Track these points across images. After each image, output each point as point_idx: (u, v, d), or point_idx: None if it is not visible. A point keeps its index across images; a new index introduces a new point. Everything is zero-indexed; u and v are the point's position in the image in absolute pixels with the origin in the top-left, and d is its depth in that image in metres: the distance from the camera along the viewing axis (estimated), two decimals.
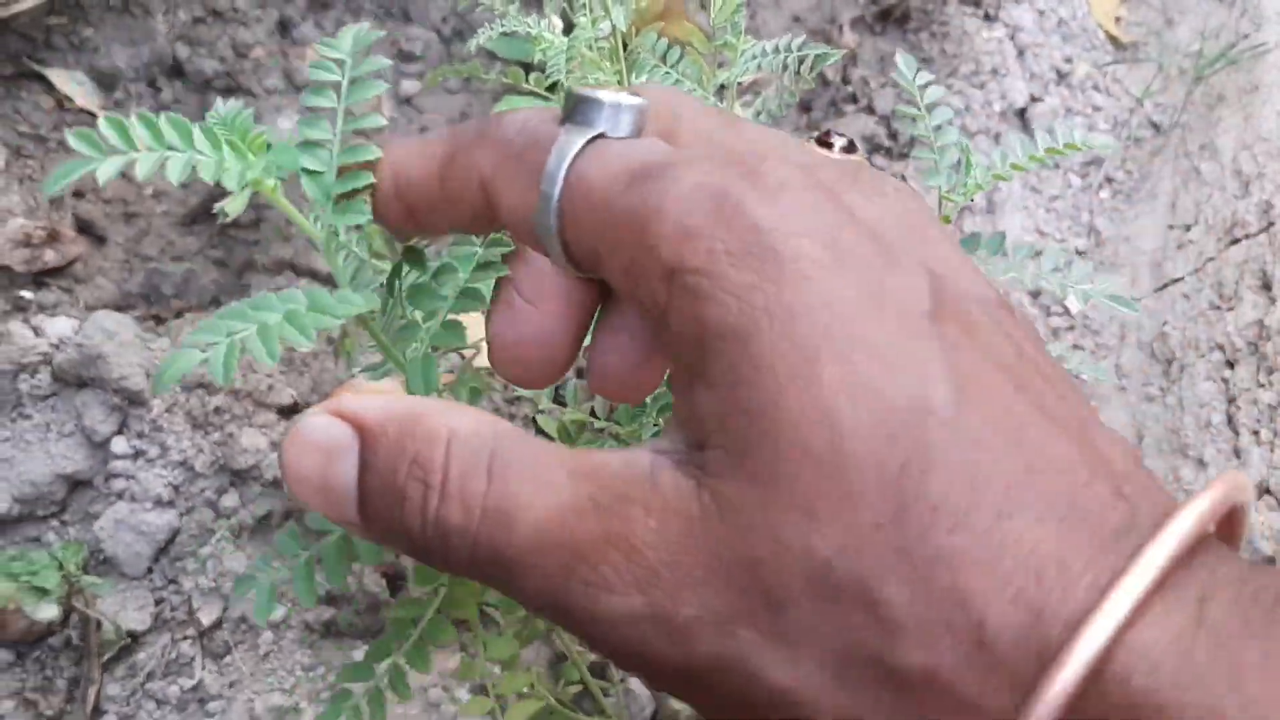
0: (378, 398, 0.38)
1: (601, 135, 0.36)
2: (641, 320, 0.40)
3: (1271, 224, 0.94)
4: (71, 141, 0.35)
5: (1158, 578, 0.28)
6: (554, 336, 0.41)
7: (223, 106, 0.42)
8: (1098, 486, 0.31)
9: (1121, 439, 0.34)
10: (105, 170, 0.35)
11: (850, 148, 0.41)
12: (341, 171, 0.42)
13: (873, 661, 0.30)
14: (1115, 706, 0.28)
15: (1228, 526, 0.33)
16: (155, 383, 0.35)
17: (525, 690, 0.55)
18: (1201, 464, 0.84)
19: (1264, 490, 0.78)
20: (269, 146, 0.41)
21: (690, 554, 0.32)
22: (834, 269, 0.32)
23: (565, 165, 0.36)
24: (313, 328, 0.38)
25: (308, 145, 0.42)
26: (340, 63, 0.43)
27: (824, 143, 0.40)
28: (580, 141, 0.36)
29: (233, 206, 0.39)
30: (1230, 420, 0.84)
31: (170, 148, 0.37)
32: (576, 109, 0.37)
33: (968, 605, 0.29)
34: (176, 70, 0.93)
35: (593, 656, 0.68)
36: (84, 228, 0.83)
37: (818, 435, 0.30)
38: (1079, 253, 1.02)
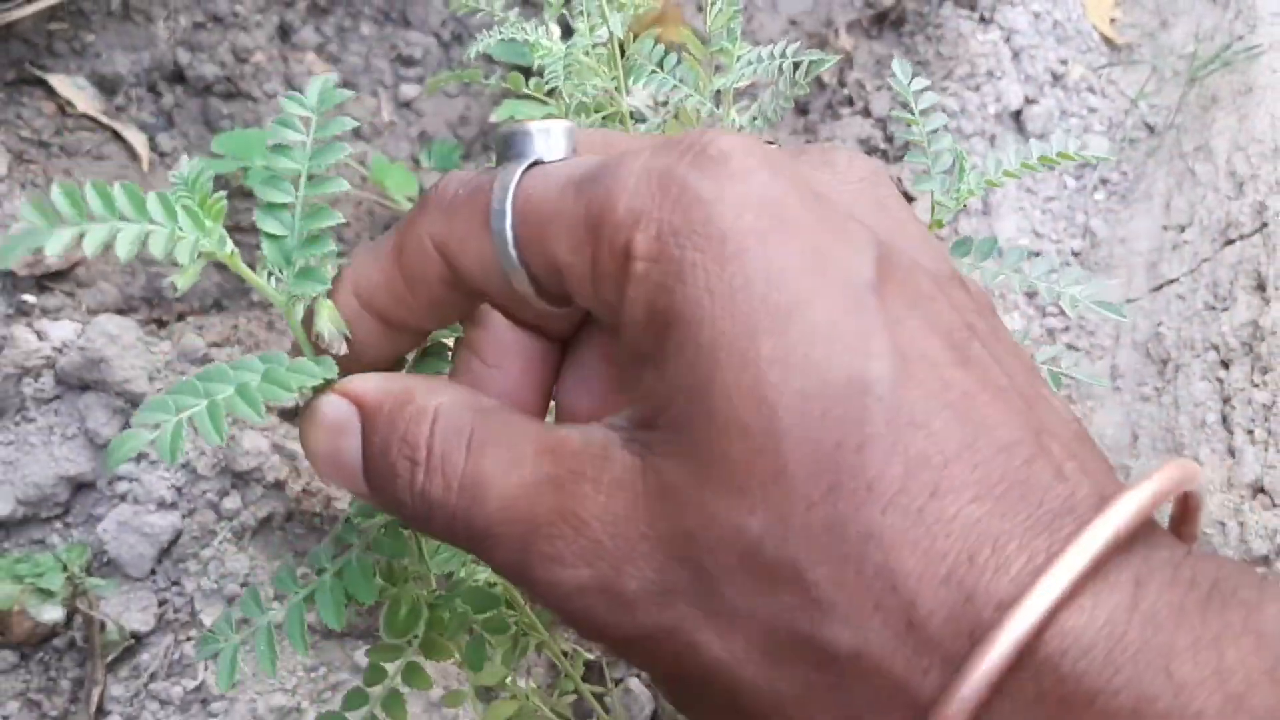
0: (377, 376, 0.39)
1: (538, 162, 0.37)
2: (605, 364, 0.40)
3: (1265, 225, 0.94)
4: (23, 210, 0.35)
5: (1093, 562, 0.28)
6: (517, 396, 0.41)
7: (185, 166, 0.41)
8: (1038, 465, 0.31)
9: (1071, 418, 0.34)
10: (53, 245, 0.35)
11: None
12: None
13: (803, 640, 0.31)
14: (1046, 689, 0.28)
15: (1182, 515, 0.33)
16: (105, 463, 0.36)
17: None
18: (1197, 463, 0.84)
19: (1258, 489, 0.79)
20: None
21: (633, 529, 0.33)
22: (776, 240, 0.32)
23: (509, 196, 0.36)
24: (264, 401, 0.38)
25: (269, 207, 0.41)
26: (306, 120, 0.42)
27: None
28: (518, 171, 0.36)
29: (182, 282, 0.38)
30: (1225, 420, 0.85)
31: (123, 217, 0.36)
32: (508, 145, 0.37)
33: (899, 585, 0.29)
34: (177, 75, 0.94)
35: (587, 658, 0.68)
36: None
37: (751, 412, 0.31)
38: (1074, 254, 1.03)
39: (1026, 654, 0.28)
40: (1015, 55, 1.11)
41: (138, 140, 0.89)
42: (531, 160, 0.37)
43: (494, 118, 0.91)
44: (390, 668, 0.51)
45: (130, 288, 0.80)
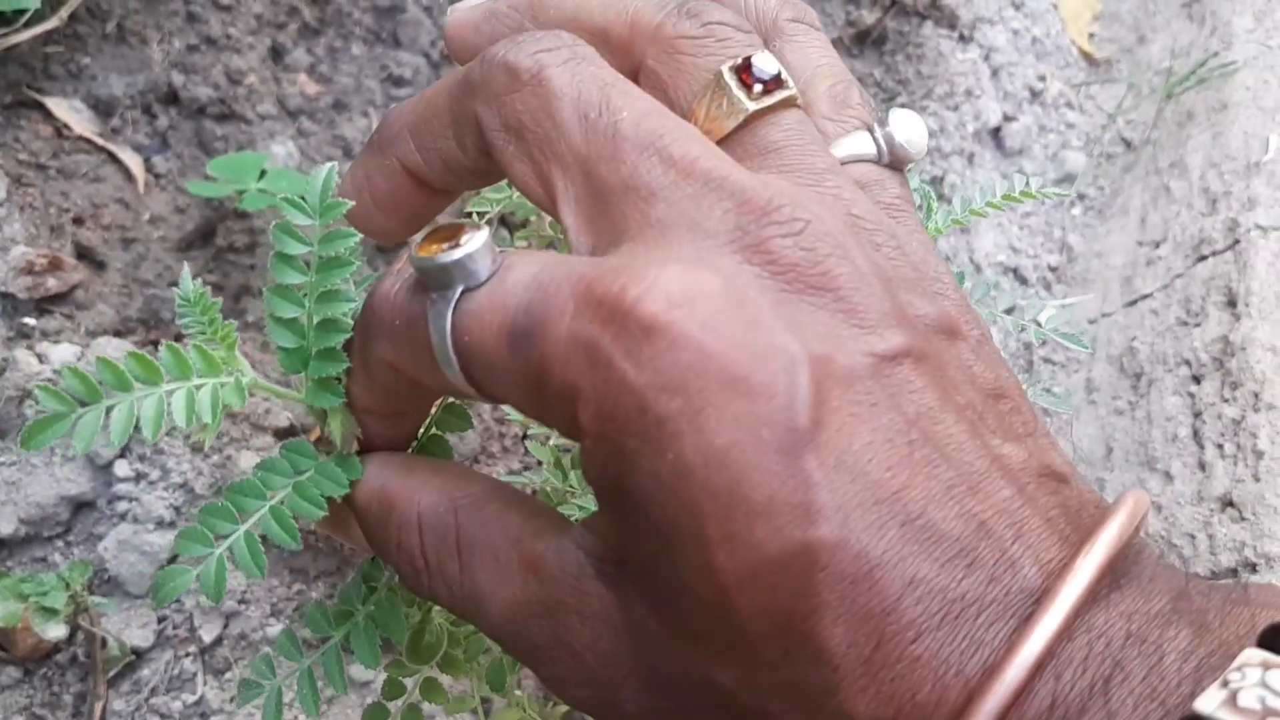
0: (366, 472, 0.43)
1: (465, 289, 0.37)
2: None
3: (1237, 241, 0.97)
4: (39, 397, 0.37)
5: (1019, 685, 0.31)
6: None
7: (190, 284, 0.42)
8: (979, 568, 0.33)
9: (1026, 453, 0.36)
10: (81, 439, 0.37)
11: (774, 83, 0.41)
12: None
13: None
14: None
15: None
16: (154, 599, 0.38)
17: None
18: (1168, 477, 0.87)
19: (1227, 503, 0.81)
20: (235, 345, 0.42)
21: (622, 663, 0.36)
22: (709, 415, 0.33)
23: (449, 345, 0.37)
24: (299, 518, 0.40)
25: (279, 322, 0.42)
26: (308, 230, 0.42)
27: (745, 83, 0.40)
28: (448, 313, 0.37)
29: (208, 437, 0.40)
30: (1196, 434, 0.87)
31: (139, 386, 0.38)
32: (431, 276, 0.38)
33: None
34: (172, 97, 0.95)
35: None
36: (84, 254, 0.85)
37: (706, 589, 0.33)
38: (1051, 269, 1.05)
39: None
40: (994, 73, 1.13)
41: (133, 162, 0.91)
42: (459, 291, 0.37)
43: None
44: (408, 683, 0.53)
45: (127, 309, 0.82)
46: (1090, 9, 1.34)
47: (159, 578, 0.40)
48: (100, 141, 0.91)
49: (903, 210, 0.42)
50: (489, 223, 0.70)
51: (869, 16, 1.13)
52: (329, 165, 0.43)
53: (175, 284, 0.86)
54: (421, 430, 0.47)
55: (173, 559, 0.71)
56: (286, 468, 0.43)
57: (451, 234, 0.38)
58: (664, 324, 0.33)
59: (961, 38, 1.12)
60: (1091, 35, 1.31)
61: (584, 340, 0.34)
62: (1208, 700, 0.29)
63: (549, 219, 0.68)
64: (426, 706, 0.55)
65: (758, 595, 0.33)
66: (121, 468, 0.71)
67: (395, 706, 0.52)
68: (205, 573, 0.39)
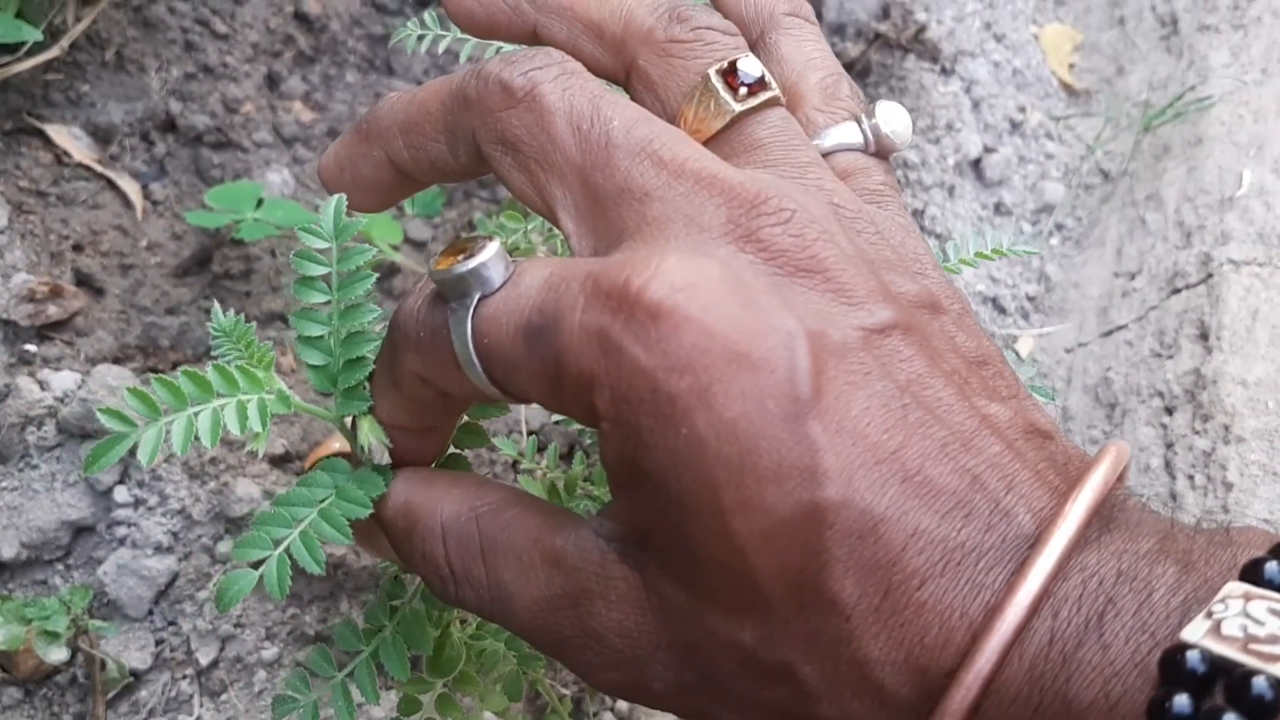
0: (391, 489, 0.44)
1: (482, 296, 0.40)
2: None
3: (1210, 275, 0.99)
4: (103, 420, 0.39)
5: (1020, 622, 0.34)
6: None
7: (223, 316, 0.45)
8: (976, 517, 0.36)
9: (1013, 414, 0.39)
10: (145, 451, 0.39)
11: (758, 85, 0.43)
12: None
13: (800, 718, 0.37)
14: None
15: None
16: (219, 604, 0.40)
17: None
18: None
19: None
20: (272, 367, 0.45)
21: (648, 640, 0.39)
22: (717, 392, 0.35)
23: (471, 350, 0.40)
24: (346, 519, 0.43)
25: (308, 340, 0.45)
26: (326, 251, 0.45)
27: (731, 85, 0.43)
28: (468, 320, 0.40)
29: (260, 445, 0.43)
30: (1168, 465, 0.89)
31: (193, 401, 0.41)
32: (449, 288, 0.40)
33: (867, 673, 0.35)
34: (170, 125, 0.97)
35: (562, 693, 0.73)
36: (83, 280, 0.87)
37: (725, 553, 0.36)
38: (1030, 299, 1.08)
39: (972, 711, 0.34)
40: (975, 105, 1.15)
41: (131, 189, 0.93)
42: (476, 298, 0.40)
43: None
44: (424, 699, 0.55)
45: (126, 336, 0.84)
46: (1071, 40, 1.37)
47: (222, 585, 0.42)
48: (99, 168, 0.93)
49: (886, 196, 0.45)
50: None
51: (853, 49, 1.15)
52: (339, 195, 0.46)
53: (172, 310, 0.87)
54: None
55: (171, 582, 0.73)
56: (326, 478, 0.45)
57: (465, 247, 0.41)
58: (669, 308, 0.36)
59: (943, 70, 1.15)
60: (1072, 66, 1.34)
61: (595, 330, 0.37)
62: (1194, 629, 0.32)
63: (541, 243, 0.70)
64: None
65: (773, 555, 0.35)
66: (121, 493, 0.73)
67: None
68: (268, 574, 0.42)
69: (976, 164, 1.12)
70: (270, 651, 0.72)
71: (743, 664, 0.37)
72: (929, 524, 0.35)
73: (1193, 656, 0.31)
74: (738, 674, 0.37)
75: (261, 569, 0.42)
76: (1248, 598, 0.32)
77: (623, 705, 0.79)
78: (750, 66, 0.43)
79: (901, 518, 0.35)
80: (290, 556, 0.42)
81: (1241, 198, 1.04)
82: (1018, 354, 1.04)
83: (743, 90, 0.43)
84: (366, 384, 0.45)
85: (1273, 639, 0.30)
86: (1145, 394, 0.95)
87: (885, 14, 1.18)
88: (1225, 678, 0.31)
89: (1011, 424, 0.38)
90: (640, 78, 0.45)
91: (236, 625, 0.72)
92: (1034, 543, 0.35)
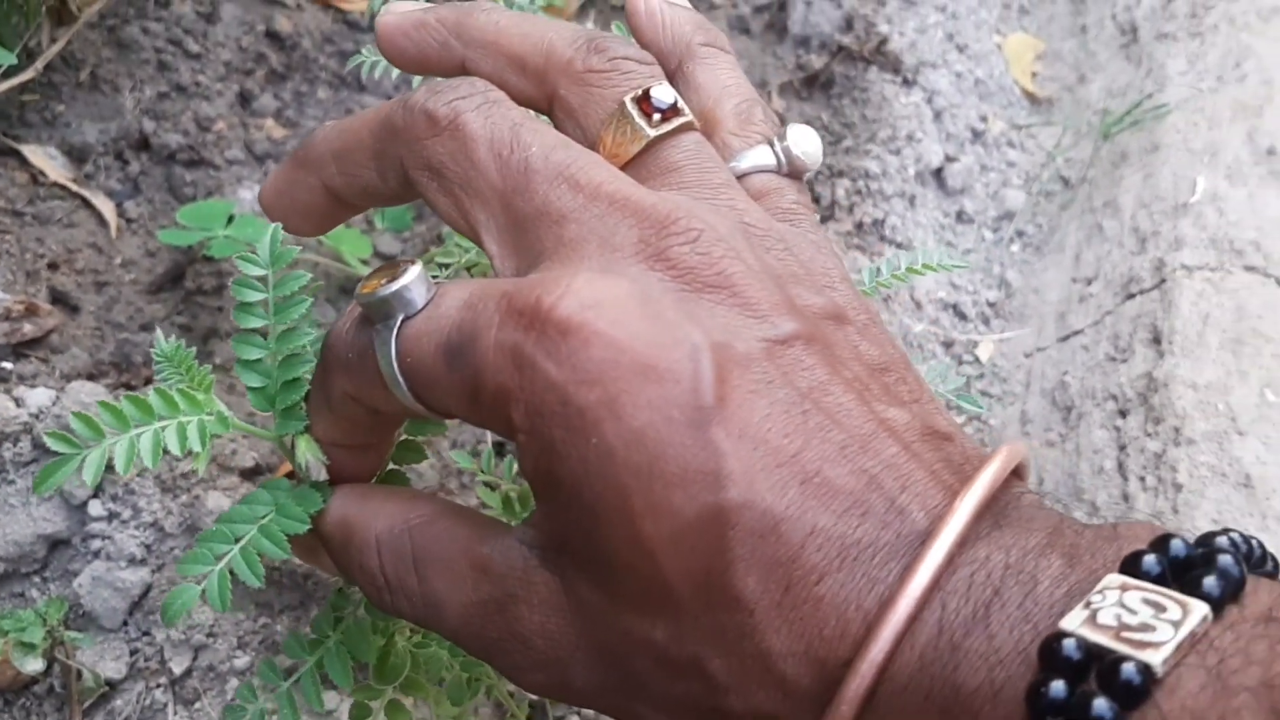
0: (330, 503, 0.46)
1: (405, 318, 0.42)
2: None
3: (1163, 281, 1.01)
4: (49, 442, 0.42)
5: (910, 613, 0.36)
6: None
7: (164, 342, 0.47)
8: (872, 516, 0.38)
9: (911, 417, 0.41)
10: (89, 472, 0.42)
11: (671, 111, 0.45)
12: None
13: (712, 710, 0.39)
14: (889, 716, 0.36)
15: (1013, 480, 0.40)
16: (164, 618, 0.42)
17: None
18: (1094, 507, 0.91)
19: None
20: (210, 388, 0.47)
21: (568, 641, 0.41)
22: (625, 403, 0.38)
23: (395, 368, 0.42)
24: (285, 535, 0.45)
25: (246, 363, 0.47)
26: (263, 278, 0.47)
27: (646, 111, 0.45)
28: (392, 340, 0.42)
29: (201, 464, 0.45)
30: (1121, 467, 0.92)
31: (135, 424, 0.43)
32: (374, 309, 0.43)
33: (771, 665, 0.38)
34: (143, 144, 0.99)
35: (531, 699, 0.75)
36: (58, 298, 0.88)
37: (637, 557, 0.38)
38: (990, 304, 1.10)
39: (868, 698, 0.36)
40: (937, 115, 1.18)
41: (106, 208, 0.95)
42: (400, 319, 0.42)
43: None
44: (374, 705, 0.57)
45: (100, 353, 0.86)
46: (1033, 48, 1.39)
47: (166, 601, 0.44)
48: (74, 188, 0.95)
49: (799, 214, 0.47)
50: (455, 272, 0.74)
51: (817, 61, 1.17)
52: (275, 225, 0.48)
53: (146, 327, 0.89)
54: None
55: (145, 593, 0.75)
56: (267, 496, 0.47)
57: (389, 270, 0.43)
58: (577, 324, 0.38)
59: (905, 82, 1.17)
60: (1035, 75, 1.36)
61: (509, 347, 0.39)
62: (1072, 619, 0.34)
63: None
64: None
65: (680, 556, 0.37)
66: (95, 507, 0.75)
67: None
68: (210, 589, 0.44)
69: (938, 173, 1.15)
70: (243, 660, 0.74)
71: (656, 661, 0.39)
72: (827, 522, 0.37)
73: (1069, 644, 0.33)
74: (651, 670, 0.40)
75: (203, 583, 0.44)
76: (1124, 588, 0.34)
77: (589, 711, 0.81)
78: (663, 94, 0.45)
79: (801, 517, 0.37)
80: (231, 571, 0.44)
81: (1195, 204, 1.07)
82: (978, 358, 1.06)
83: (656, 116, 0.45)
84: (303, 404, 0.47)
85: (1144, 627, 0.32)
86: (1100, 397, 0.97)
87: (849, 26, 1.20)
88: (1098, 664, 0.33)
89: (909, 426, 0.40)
90: (562, 106, 0.47)
91: (209, 635, 0.74)
92: (926, 538, 0.37)
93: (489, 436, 0.87)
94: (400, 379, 0.42)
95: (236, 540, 0.45)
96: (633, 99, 0.45)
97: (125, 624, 0.74)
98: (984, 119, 1.22)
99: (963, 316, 1.08)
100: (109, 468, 0.76)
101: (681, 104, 0.46)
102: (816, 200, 1.08)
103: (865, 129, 1.12)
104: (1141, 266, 1.04)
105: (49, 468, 0.42)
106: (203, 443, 0.45)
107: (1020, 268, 1.14)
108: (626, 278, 0.40)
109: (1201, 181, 1.09)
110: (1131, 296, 1.03)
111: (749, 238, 0.43)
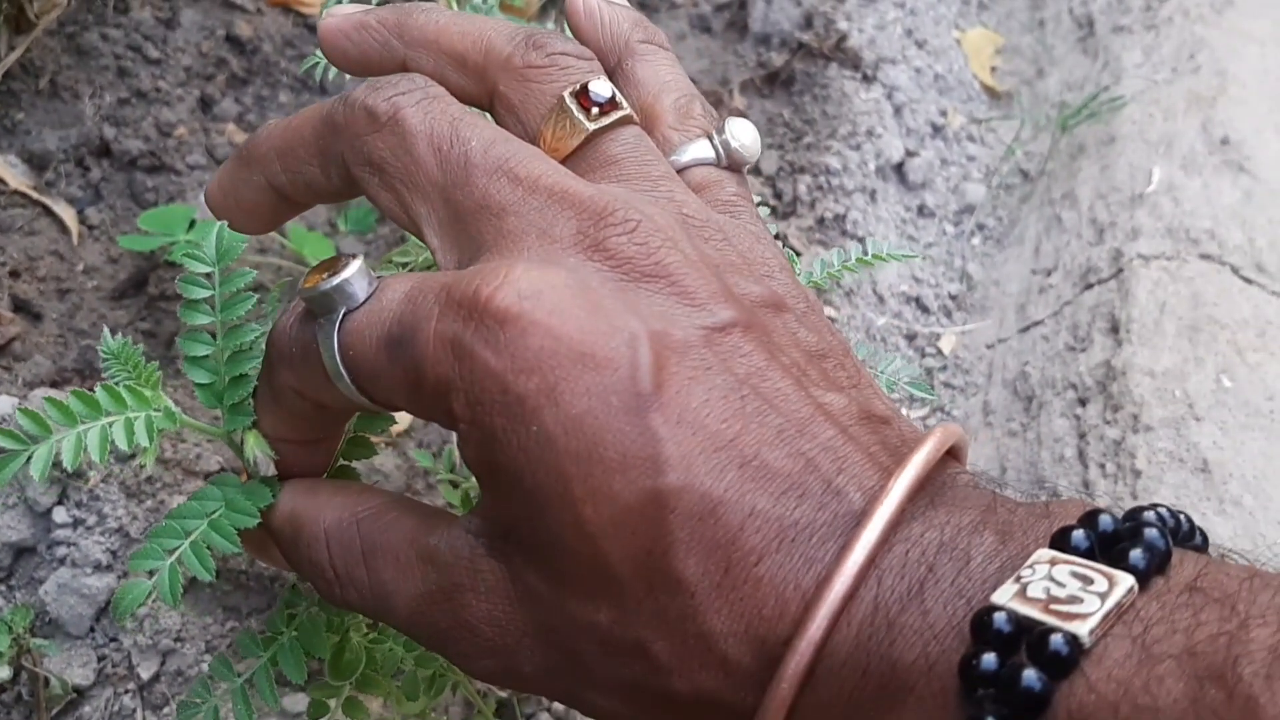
0: (279, 499, 0.47)
1: (347, 311, 0.43)
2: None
3: (1120, 270, 1.03)
4: None
5: (846, 592, 0.37)
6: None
7: (111, 340, 0.47)
8: (809, 498, 0.39)
9: (848, 401, 0.42)
10: (37, 467, 0.42)
11: (609, 105, 0.46)
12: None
13: (657, 692, 0.40)
14: (828, 694, 0.37)
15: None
16: (115, 613, 0.43)
17: None
18: (1055, 495, 0.92)
19: None
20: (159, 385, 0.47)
21: (515, 627, 0.42)
22: (563, 390, 0.38)
23: (338, 361, 0.43)
24: (235, 529, 0.45)
25: (194, 360, 0.47)
26: (209, 275, 0.48)
27: (585, 105, 0.46)
28: (334, 333, 0.43)
29: (149, 459, 0.45)
30: (1080, 454, 0.93)
31: (80, 421, 0.44)
32: (316, 303, 0.43)
33: (712, 646, 0.38)
34: (104, 150, 0.99)
35: (500, 697, 0.75)
36: (20, 306, 0.88)
37: (578, 541, 0.39)
38: (952, 297, 1.11)
39: (808, 673, 0.37)
40: (897, 111, 1.19)
41: (67, 215, 0.94)
42: (341, 313, 0.43)
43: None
44: (332, 703, 0.57)
45: (63, 360, 0.86)
46: (993, 43, 1.41)
47: (117, 595, 0.44)
48: (35, 195, 0.94)
49: (738, 206, 0.48)
50: (411, 270, 0.75)
51: (778, 59, 1.18)
52: (221, 222, 0.48)
53: (110, 333, 0.89)
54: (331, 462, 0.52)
55: (111, 600, 0.75)
56: (216, 492, 0.47)
57: (330, 265, 0.44)
58: (515, 314, 0.39)
59: (865, 78, 1.18)
60: (994, 69, 1.37)
61: (449, 337, 0.40)
62: (1003, 593, 0.35)
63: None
64: None
65: (621, 540, 0.38)
66: (60, 514, 0.75)
67: None
68: (160, 583, 0.44)
69: (899, 168, 1.16)
70: (211, 664, 0.74)
71: (600, 644, 0.40)
72: (765, 505, 0.38)
73: (999, 618, 0.34)
74: (596, 654, 0.40)
75: (154, 578, 0.44)
76: (1053, 562, 0.35)
77: (559, 706, 0.81)
78: (601, 88, 0.46)
79: (739, 500, 0.38)
80: (181, 564, 0.44)
81: (1151, 194, 1.08)
82: (940, 350, 1.07)
83: (595, 110, 0.46)
84: (251, 400, 0.47)
85: (1072, 599, 0.33)
86: (1060, 386, 0.98)
87: (808, 24, 1.21)
88: (1028, 636, 0.34)
89: (846, 411, 0.41)
90: (502, 102, 0.47)
91: (177, 640, 0.74)
92: (861, 518, 0.38)
93: (454, 436, 0.87)
94: (343, 372, 0.42)
95: (187, 535, 0.45)
96: (571, 93, 0.46)
97: (92, 630, 0.74)
98: (944, 114, 1.24)
99: (925, 309, 1.09)
100: (76, 473, 0.76)
101: (620, 98, 0.46)
102: (779, 196, 1.09)
103: (826, 125, 1.13)
104: (1099, 257, 1.05)
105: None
106: (150, 438, 0.45)
107: (981, 260, 1.16)
108: (564, 268, 0.40)
109: (1157, 172, 1.10)
110: (1090, 286, 1.04)
111: (687, 228, 0.44)
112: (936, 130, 1.21)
